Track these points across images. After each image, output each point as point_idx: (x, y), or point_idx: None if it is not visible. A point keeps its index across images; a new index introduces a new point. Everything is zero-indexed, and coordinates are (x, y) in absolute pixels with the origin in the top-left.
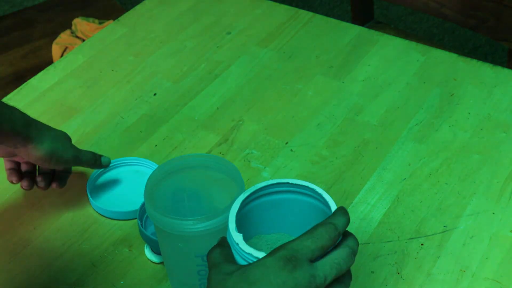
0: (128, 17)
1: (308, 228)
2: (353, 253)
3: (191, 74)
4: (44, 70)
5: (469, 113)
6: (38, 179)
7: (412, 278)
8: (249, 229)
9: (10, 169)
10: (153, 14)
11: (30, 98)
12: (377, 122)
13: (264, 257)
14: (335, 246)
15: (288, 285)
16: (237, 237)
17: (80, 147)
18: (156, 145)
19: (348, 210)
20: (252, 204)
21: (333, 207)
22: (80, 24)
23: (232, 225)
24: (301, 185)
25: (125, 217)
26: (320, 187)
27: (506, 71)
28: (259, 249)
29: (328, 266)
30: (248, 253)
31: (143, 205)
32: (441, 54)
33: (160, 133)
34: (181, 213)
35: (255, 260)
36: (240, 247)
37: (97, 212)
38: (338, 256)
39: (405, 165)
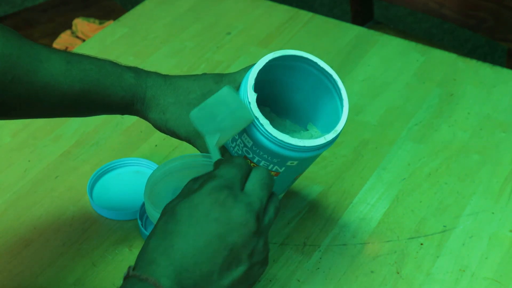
0: (128, 17)
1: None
2: (267, 169)
3: None
4: None
5: (468, 113)
6: None
7: (411, 277)
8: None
9: None
10: (153, 14)
11: None
12: (377, 122)
13: (193, 191)
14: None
15: (222, 220)
16: (251, 96)
17: (80, 147)
18: (156, 145)
19: (348, 210)
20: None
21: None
22: (80, 24)
23: (251, 81)
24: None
25: (125, 217)
26: (320, 187)
27: (505, 71)
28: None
29: (258, 188)
30: (256, 117)
31: (143, 205)
32: (441, 54)
33: (160, 133)
34: None
35: (260, 125)
36: (251, 107)
37: (97, 212)
38: (260, 174)
39: (404, 165)
